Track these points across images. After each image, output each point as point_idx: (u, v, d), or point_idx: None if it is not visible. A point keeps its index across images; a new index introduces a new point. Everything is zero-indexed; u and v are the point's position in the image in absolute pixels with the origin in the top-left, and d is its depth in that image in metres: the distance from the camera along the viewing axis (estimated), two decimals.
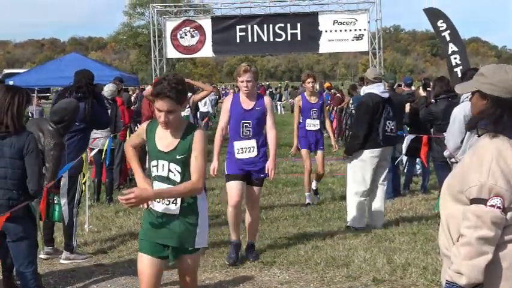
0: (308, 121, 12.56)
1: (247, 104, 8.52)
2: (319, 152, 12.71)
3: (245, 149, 8.54)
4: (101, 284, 7.89)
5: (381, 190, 10.51)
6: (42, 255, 8.76)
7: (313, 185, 13.00)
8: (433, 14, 20.03)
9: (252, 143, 8.52)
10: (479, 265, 3.52)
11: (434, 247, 9.08)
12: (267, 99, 8.73)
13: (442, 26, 19.73)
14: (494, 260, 3.59)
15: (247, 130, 8.50)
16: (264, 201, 12.87)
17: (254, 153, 8.54)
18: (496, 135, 3.67)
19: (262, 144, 8.64)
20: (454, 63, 19.35)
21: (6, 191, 6.01)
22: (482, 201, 3.55)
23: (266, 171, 8.55)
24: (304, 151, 12.65)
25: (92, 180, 13.03)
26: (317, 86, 15.44)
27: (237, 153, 8.57)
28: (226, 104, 8.71)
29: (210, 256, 8.81)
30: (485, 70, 3.88)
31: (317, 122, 12.56)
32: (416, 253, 8.72)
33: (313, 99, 12.58)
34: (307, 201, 12.64)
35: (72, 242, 8.83)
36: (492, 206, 3.52)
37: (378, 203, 10.49)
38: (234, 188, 8.61)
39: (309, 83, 12.39)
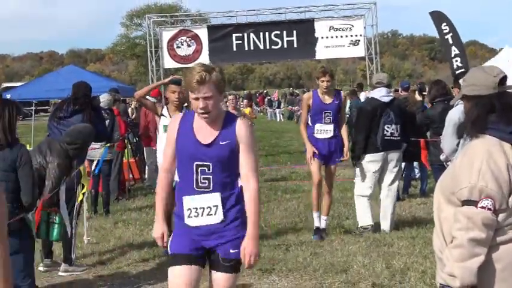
0: (318, 126, 10.13)
1: (204, 133, 4.99)
2: (332, 166, 10.34)
3: (201, 209, 5.01)
4: None
5: (388, 194, 10.55)
6: (40, 268, 8.75)
7: (322, 223, 10.39)
8: (438, 17, 20.16)
9: (214, 199, 4.98)
10: (471, 267, 3.53)
11: (433, 251, 9.06)
12: (240, 124, 5.00)
13: (445, 29, 19.85)
14: (488, 262, 3.59)
15: (204, 179, 4.96)
16: (262, 208, 12.86)
17: (218, 217, 5.00)
18: (484, 137, 3.68)
19: (234, 202, 5.04)
20: (455, 66, 19.44)
21: None
22: (473, 203, 3.56)
23: (239, 253, 5.08)
24: (314, 163, 10.11)
25: (89, 191, 13.03)
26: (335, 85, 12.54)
27: (188, 216, 5.04)
28: (172, 129, 5.16)
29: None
30: (467, 75, 3.94)
31: (330, 127, 10.09)
32: (415, 257, 8.71)
33: (327, 99, 10.12)
34: (316, 224, 10.38)
35: (71, 254, 8.82)
36: (483, 207, 3.53)
37: (385, 208, 10.51)
38: (179, 282, 5.13)
39: (323, 81, 10.01)
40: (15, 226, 5.97)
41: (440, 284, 3.68)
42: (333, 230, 10.69)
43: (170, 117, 8.60)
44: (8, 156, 6.04)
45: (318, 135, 10.13)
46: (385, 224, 10.50)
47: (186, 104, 9.08)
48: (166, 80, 9.59)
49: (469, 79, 3.88)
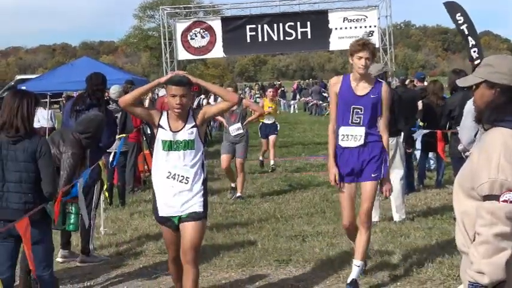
0: (343, 130, 7.20)
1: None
2: (368, 184, 7.29)
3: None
4: (117, 286, 7.93)
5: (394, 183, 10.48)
6: (58, 259, 8.80)
7: (354, 270, 7.31)
8: (452, 8, 20.07)
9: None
10: (499, 262, 3.49)
11: (450, 242, 9.06)
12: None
13: (460, 20, 19.78)
14: None
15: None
16: (278, 199, 12.89)
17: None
18: (500, 129, 3.66)
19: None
20: (474, 57, 19.38)
21: (22, 194, 6.05)
22: (495, 198, 3.53)
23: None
24: (342, 194, 7.35)
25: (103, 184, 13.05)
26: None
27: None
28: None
29: (225, 255, 8.81)
30: (491, 61, 3.90)
31: (360, 131, 7.12)
32: (432, 248, 8.71)
33: (360, 89, 7.14)
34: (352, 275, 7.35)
35: (88, 245, 8.86)
36: (505, 201, 3.50)
37: (394, 198, 10.45)
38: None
39: (360, 58, 7.01)
40: (35, 216, 6.00)
41: (469, 282, 3.65)
42: None
43: (171, 129, 6.20)
44: (28, 147, 6.06)
45: (343, 143, 7.20)
46: (396, 216, 10.47)
47: (201, 98, 8.49)
48: (163, 78, 6.40)
49: (498, 66, 3.84)
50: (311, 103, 44.80)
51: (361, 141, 7.16)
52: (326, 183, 14.50)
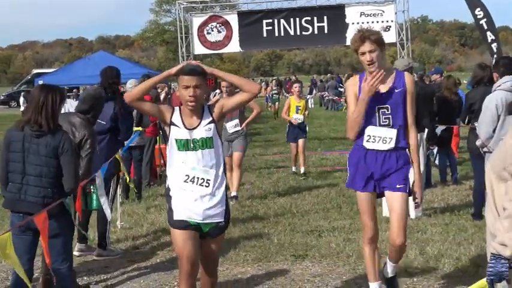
0: (370, 130, 6.22)
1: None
2: (398, 196, 6.20)
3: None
4: (134, 279, 7.94)
5: None
6: (75, 252, 8.82)
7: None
8: (472, 2, 19.95)
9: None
10: None
11: (467, 238, 9.04)
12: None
13: (479, 14, 19.66)
14: None
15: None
16: (294, 194, 12.88)
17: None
18: None
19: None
20: (495, 50, 19.27)
21: (42, 189, 6.06)
22: None
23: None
24: (363, 199, 6.34)
25: (121, 178, 13.11)
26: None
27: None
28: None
29: (241, 250, 8.82)
30: None
31: (391, 133, 6.15)
32: (449, 244, 8.67)
33: (381, 85, 6.12)
34: None
35: (105, 239, 8.90)
36: None
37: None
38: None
39: (363, 54, 6.12)
40: (54, 210, 6.02)
41: (491, 253, 3.71)
42: None
43: (185, 126, 5.59)
44: (50, 143, 6.07)
45: (369, 145, 6.23)
46: (413, 213, 10.42)
47: (216, 93, 7.82)
48: (174, 69, 5.66)
49: None
50: (327, 98, 44.74)
51: (391, 145, 6.16)
52: (342, 178, 14.51)
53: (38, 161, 6.05)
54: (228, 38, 23.54)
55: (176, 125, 5.59)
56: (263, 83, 62.78)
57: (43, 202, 6.02)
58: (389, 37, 23.13)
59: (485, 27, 19.62)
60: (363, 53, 6.08)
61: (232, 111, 6.48)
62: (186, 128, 5.57)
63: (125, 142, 11.57)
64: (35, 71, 55.35)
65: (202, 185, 5.55)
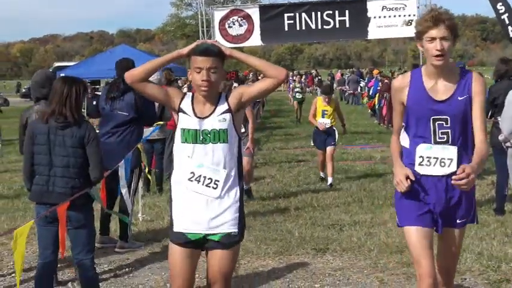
0: (423, 150, 4.88)
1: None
2: (455, 232, 5.04)
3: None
4: (155, 271, 7.97)
5: None
6: (97, 244, 8.86)
7: None
8: None
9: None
10: None
11: (489, 233, 9.01)
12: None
13: (501, 9, 19.51)
14: None
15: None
16: (315, 188, 12.87)
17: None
18: None
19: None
20: None
21: (69, 179, 6.10)
22: None
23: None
24: (413, 234, 4.89)
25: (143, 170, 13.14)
26: None
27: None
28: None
29: (262, 243, 8.83)
30: None
31: (450, 153, 4.78)
32: (471, 239, 8.63)
33: (441, 89, 4.80)
34: None
35: (126, 231, 8.93)
36: None
37: None
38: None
39: (433, 40, 4.67)
40: (80, 201, 6.07)
41: None
42: (387, 210, 10.61)
43: (195, 114, 4.75)
44: (76, 134, 6.11)
45: (422, 169, 4.86)
46: None
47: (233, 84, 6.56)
48: (186, 48, 4.83)
49: None
50: (347, 92, 44.62)
51: (453, 168, 4.74)
52: (363, 172, 14.49)
53: (65, 152, 6.09)
54: (249, 31, 23.56)
55: (185, 112, 4.75)
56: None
57: (71, 193, 6.06)
58: (411, 31, 22.96)
59: (507, 22, 19.47)
60: (432, 39, 4.65)
61: (253, 100, 5.19)
62: (196, 116, 4.71)
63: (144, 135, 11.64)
64: (56, 64, 55.45)
65: (209, 186, 4.69)
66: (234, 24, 23.47)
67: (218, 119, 4.69)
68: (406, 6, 22.64)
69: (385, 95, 24.91)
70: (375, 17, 22.77)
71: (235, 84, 17.60)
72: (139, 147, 9.09)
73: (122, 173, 8.15)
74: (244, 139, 11.72)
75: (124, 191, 8.04)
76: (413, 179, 4.77)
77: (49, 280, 6.33)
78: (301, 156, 17.72)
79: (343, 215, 10.47)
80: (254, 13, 23.52)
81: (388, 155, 17.16)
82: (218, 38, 23.55)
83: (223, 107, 4.73)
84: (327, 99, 13.73)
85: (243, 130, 11.23)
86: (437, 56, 4.63)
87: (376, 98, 27.74)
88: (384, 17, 22.80)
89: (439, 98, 4.75)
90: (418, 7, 22.63)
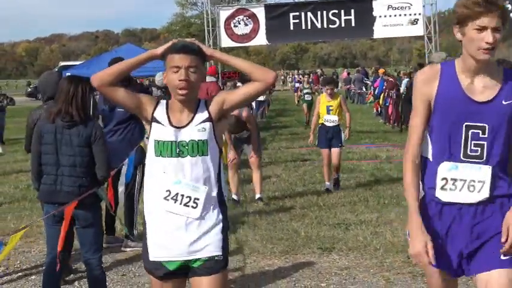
0: (447, 170, 3.77)
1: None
2: (500, 274, 3.67)
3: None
4: None
5: None
6: (103, 244, 8.89)
7: None
8: None
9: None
10: None
11: None
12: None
13: (508, 7, 19.55)
14: None
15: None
16: (321, 187, 12.85)
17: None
18: None
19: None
20: None
21: (77, 178, 6.12)
22: None
23: None
24: (433, 278, 3.96)
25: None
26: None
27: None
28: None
29: (268, 242, 8.84)
30: None
31: (486, 173, 3.70)
32: None
33: (480, 88, 3.73)
34: None
35: (132, 230, 8.94)
36: None
37: None
38: None
39: (482, 30, 3.62)
40: (88, 200, 6.10)
41: None
42: (392, 209, 10.61)
43: (171, 123, 4.12)
44: (83, 132, 6.13)
45: (444, 194, 3.81)
46: None
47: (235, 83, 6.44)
48: (160, 48, 4.31)
49: None
50: (353, 91, 44.58)
51: (485, 194, 3.73)
52: (369, 171, 14.48)
53: (71, 151, 6.11)
54: (254, 31, 23.59)
55: (159, 122, 4.13)
56: (294, 76, 61.34)
57: (79, 191, 6.08)
58: (417, 30, 23.07)
59: None
60: (482, 28, 3.63)
61: (237, 107, 4.45)
62: (172, 125, 4.11)
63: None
64: (62, 63, 55.53)
65: (188, 206, 4.06)
66: (239, 23, 23.50)
67: (197, 129, 4.08)
68: (411, 5, 22.64)
69: (390, 93, 24.88)
70: (380, 16, 22.79)
71: (239, 84, 17.27)
72: (142, 144, 9.10)
73: (124, 170, 8.18)
74: (246, 144, 11.63)
75: (121, 189, 8.06)
76: (432, 252, 3.65)
77: (56, 279, 6.35)
78: (306, 156, 17.70)
79: (349, 214, 10.47)
80: (259, 12, 23.55)
81: (393, 154, 17.17)
82: (223, 38, 23.62)
83: (202, 115, 4.12)
84: (329, 91, 12.62)
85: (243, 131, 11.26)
86: (486, 49, 3.62)
87: (381, 97, 27.72)
88: (390, 16, 22.81)
89: (479, 99, 3.71)
90: (423, 6, 22.62)
